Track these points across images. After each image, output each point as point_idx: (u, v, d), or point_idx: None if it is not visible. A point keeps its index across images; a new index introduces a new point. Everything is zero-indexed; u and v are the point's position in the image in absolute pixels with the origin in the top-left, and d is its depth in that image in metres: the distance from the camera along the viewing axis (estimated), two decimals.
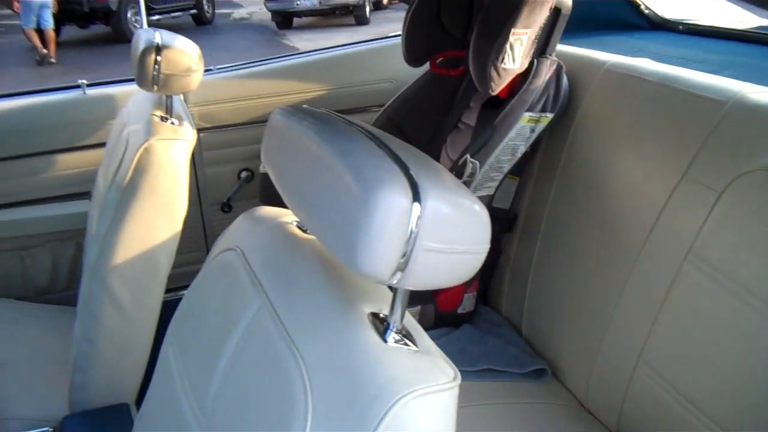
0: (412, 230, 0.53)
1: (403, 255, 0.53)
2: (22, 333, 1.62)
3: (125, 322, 1.30)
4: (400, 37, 1.76)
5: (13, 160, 1.81)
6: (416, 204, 0.52)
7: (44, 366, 1.51)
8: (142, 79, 1.29)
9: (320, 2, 11.48)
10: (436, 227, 0.53)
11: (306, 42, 10.42)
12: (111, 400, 1.33)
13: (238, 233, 0.85)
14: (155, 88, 1.30)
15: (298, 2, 11.47)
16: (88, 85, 1.87)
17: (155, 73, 1.28)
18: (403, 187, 0.53)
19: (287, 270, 0.72)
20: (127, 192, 1.24)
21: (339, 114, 0.70)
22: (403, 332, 0.60)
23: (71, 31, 11.32)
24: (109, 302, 1.28)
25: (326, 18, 12.49)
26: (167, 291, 1.33)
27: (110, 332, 1.30)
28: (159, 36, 1.33)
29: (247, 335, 0.71)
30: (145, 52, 1.28)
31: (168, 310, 1.33)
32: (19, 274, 1.87)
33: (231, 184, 2.07)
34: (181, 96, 1.56)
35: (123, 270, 1.27)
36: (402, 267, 0.54)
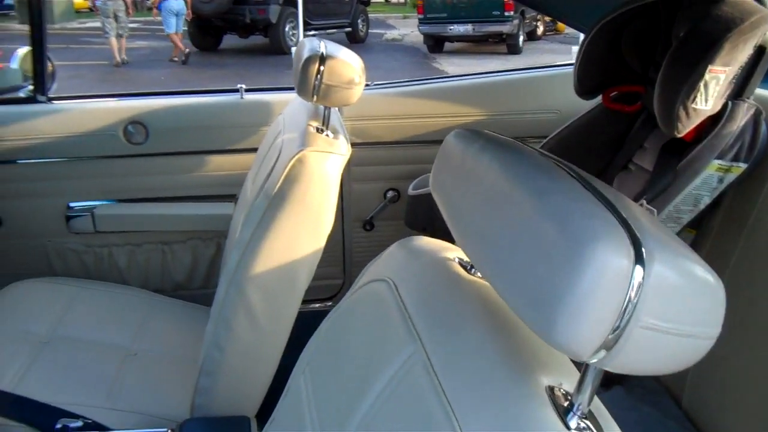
0: (629, 300, 0.41)
1: (614, 330, 0.42)
2: (155, 326, 1.64)
3: (257, 333, 1.26)
4: (565, 67, 1.63)
5: (168, 157, 1.86)
6: (638, 267, 0.41)
7: (171, 362, 1.51)
8: (302, 88, 1.26)
9: (473, 29, 11.48)
10: (660, 300, 0.42)
11: (456, 66, 10.42)
12: (232, 411, 1.29)
13: (391, 263, 0.77)
14: (314, 98, 1.26)
15: (451, 28, 11.55)
16: (246, 90, 1.89)
17: (317, 83, 1.24)
18: (622, 243, 0.41)
19: (447, 315, 0.62)
20: (275, 201, 1.20)
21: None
22: (589, 417, 0.49)
23: (231, 40, 12.04)
24: (243, 311, 1.25)
25: (478, 45, 12.46)
26: None
27: (241, 341, 1.27)
28: (324, 46, 1.29)
29: (395, 383, 0.62)
30: (309, 60, 1.24)
31: (298, 321, 1.29)
32: (159, 268, 1.92)
33: (376, 202, 2.02)
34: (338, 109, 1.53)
35: (261, 280, 1.23)
36: (609, 345, 0.42)
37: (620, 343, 0.42)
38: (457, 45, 12.61)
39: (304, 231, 1.23)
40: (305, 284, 1.28)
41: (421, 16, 11.85)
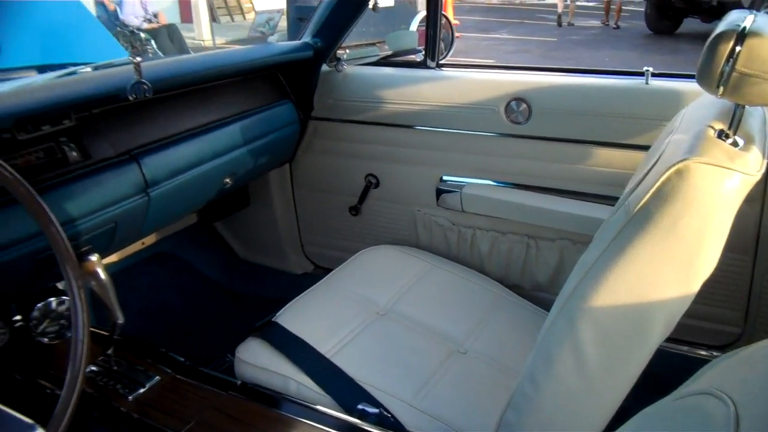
0: None
1: None
2: (496, 326, 1.48)
3: (583, 381, 0.99)
4: None
5: (549, 142, 1.63)
6: None
7: (498, 372, 1.34)
8: (704, 74, 0.90)
9: None
10: None
11: None
12: None
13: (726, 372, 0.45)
14: (720, 90, 0.89)
15: None
16: (654, 75, 1.54)
17: (726, 69, 0.87)
18: None
19: None
20: (635, 220, 0.90)
21: None
22: None
23: (691, 24, 11.06)
24: (570, 348, 0.98)
25: None
26: None
27: (561, 384, 1.01)
28: (751, 19, 0.90)
29: None
30: (720, 38, 0.88)
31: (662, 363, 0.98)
32: (520, 262, 1.73)
33: None
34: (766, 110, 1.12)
35: (599, 316, 0.95)
36: None
37: None
38: None
39: (668, 266, 0.90)
40: (660, 335, 0.95)
41: None
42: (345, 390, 1.25)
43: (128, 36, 7.15)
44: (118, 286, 1.30)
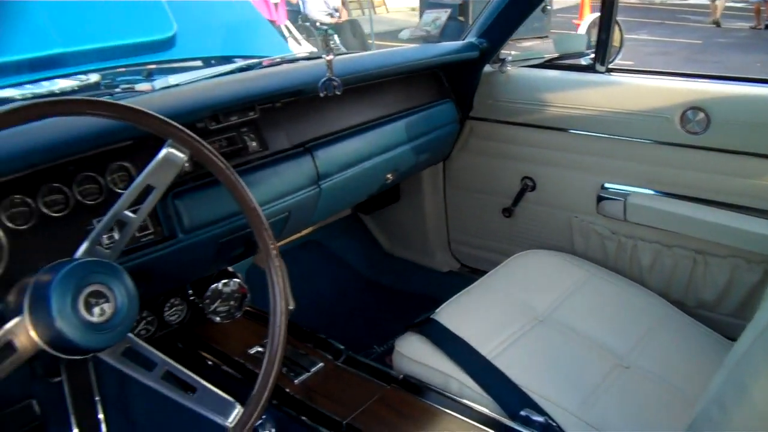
0: None
1: None
2: (661, 343, 1.42)
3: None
4: None
5: (728, 155, 1.54)
6: None
7: (664, 392, 1.29)
8: None
9: None
10: None
11: None
12: None
13: None
14: None
15: None
16: None
17: None
18: None
19: None
20: None
21: None
22: None
23: None
24: (766, 379, 0.92)
25: None
26: None
27: (753, 412, 0.95)
28: None
29: None
30: None
31: None
32: (686, 278, 1.65)
33: None
34: None
35: None
36: None
37: None
38: None
39: None
40: None
41: None
42: (508, 394, 1.24)
43: (311, 29, 7.23)
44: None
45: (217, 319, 1.42)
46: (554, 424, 1.17)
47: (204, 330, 1.53)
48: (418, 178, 2.07)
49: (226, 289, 1.41)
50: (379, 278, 2.27)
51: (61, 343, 0.81)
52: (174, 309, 1.37)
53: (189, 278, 1.36)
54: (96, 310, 0.83)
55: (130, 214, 0.93)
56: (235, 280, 1.41)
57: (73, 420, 1.16)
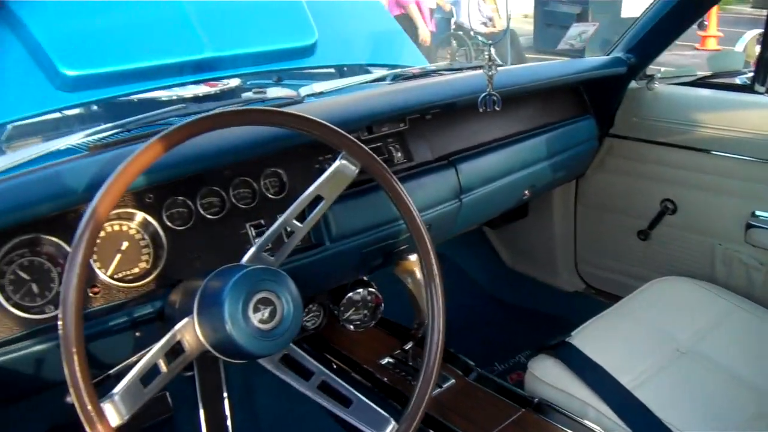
0: None
1: None
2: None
3: None
4: None
5: None
6: None
7: None
8: None
9: None
10: None
11: None
12: None
13: None
14: None
15: None
16: None
17: None
18: None
19: None
20: None
21: None
22: None
23: None
24: None
25: None
26: None
27: None
28: None
29: None
30: None
31: None
32: None
33: None
34: None
35: None
36: None
37: None
38: None
39: None
40: None
41: None
42: (648, 428, 1.18)
43: (464, 39, 6.98)
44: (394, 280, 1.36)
45: (351, 327, 1.43)
46: None
47: (333, 337, 1.56)
48: (549, 195, 2.03)
49: (361, 298, 1.43)
50: (501, 294, 2.24)
51: (229, 347, 0.84)
52: (311, 315, 1.40)
53: (329, 285, 1.38)
54: (264, 316, 0.85)
55: (298, 223, 0.95)
56: (370, 289, 1.43)
57: (201, 413, 1.21)
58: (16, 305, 0.90)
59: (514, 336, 2.03)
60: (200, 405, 1.27)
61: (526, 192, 1.66)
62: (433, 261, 1.02)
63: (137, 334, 1.03)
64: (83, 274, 0.76)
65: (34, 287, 0.93)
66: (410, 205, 1.03)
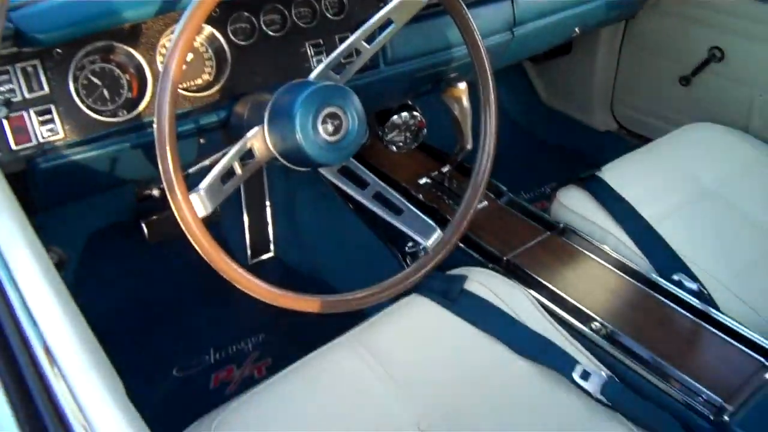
0: None
1: None
2: None
3: None
4: None
5: None
6: None
7: None
8: None
9: None
10: None
11: None
12: None
13: None
14: None
15: None
16: None
17: None
18: None
19: None
20: None
21: None
22: None
23: None
24: None
25: None
26: None
27: None
28: None
29: None
30: None
31: None
32: None
33: None
34: None
35: None
36: None
37: None
38: None
39: None
40: None
41: None
42: (664, 257, 1.30)
43: None
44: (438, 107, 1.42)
45: (394, 148, 1.52)
46: (705, 292, 1.23)
47: (375, 156, 1.66)
48: (596, 34, 2.02)
49: (404, 121, 1.50)
50: (534, 128, 2.30)
51: (297, 155, 0.94)
52: None
53: (378, 106, 1.46)
54: (330, 129, 0.94)
55: (366, 45, 1.01)
56: (414, 113, 1.50)
57: (245, 219, 1.33)
58: (90, 108, 1.00)
59: (543, 169, 2.12)
60: (244, 211, 1.40)
61: (576, 29, 1.67)
62: (491, 86, 1.09)
63: (201, 140, 1.13)
64: (177, 78, 0.84)
65: (105, 92, 1.01)
66: (475, 32, 1.08)
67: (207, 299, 1.57)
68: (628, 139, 2.10)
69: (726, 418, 0.99)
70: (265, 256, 1.63)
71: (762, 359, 1.10)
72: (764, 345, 1.13)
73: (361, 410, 0.97)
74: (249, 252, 1.61)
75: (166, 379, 1.49)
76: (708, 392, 1.04)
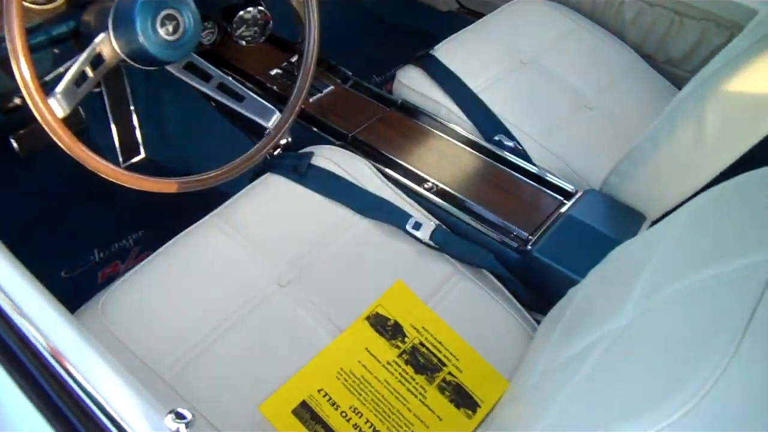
0: None
1: None
2: (625, 88, 1.64)
3: (696, 148, 1.17)
4: None
5: None
6: None
7: (618, 129, 1.53)
8: None
9: None
10: None
11: None
12: (636, 204, 1.30)
13: None
14: None
15: None
16: None
17: None
18: None
19: None
20: None
21: None
22: None
23: None
24: (694, 121, 1.14)
25: None
26: None
27: (676, 148, 1.20)
28: None
29: None
30: None
31: None
32: (659, 34, 1.81)
33: None
34: None
35: (727, 102, 1.11)
36: None
37: None
38: None
39: None
40: None
41: None
42: (486, 121, 1.49)
43: None
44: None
45: (243, 42, 1.59)
46: (521, 148, 1.44)
47: (228, 52, 1.72)
48: None
49: (251, 16, 1.56)
50: (380, 12, 2.40)
51: (142, 56, 1.02)
52: (207, 31, 1.54)
53: (222, 3, 1.51)
54: (169, 30, 1.02)
55: None
56: (259, 7, 1.56)
57: (112, 125, 1.39)
58: None
59: (391, 51, 2.25)
60: (110, 117, 1.45)
61: None
62: None
63: (55, 51, 1.18)
64: None
65: None
66: None
67: (84, 203, 1.63)
68: (468, 18, 2.24)
69: (529, 247, 1.21)
70: (136, 159, 1.69)
71: (562, 198, 1.33)
72: (565, 187, 1.36)
73: (227, 275, 1.12)
74: (120, 157, 1.67)
75: (56, 281, 1.56)
76: (518, 229, 1.26)
